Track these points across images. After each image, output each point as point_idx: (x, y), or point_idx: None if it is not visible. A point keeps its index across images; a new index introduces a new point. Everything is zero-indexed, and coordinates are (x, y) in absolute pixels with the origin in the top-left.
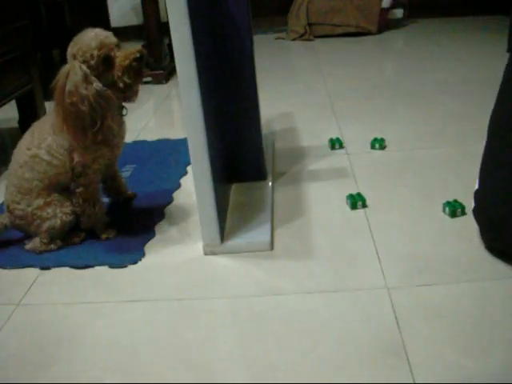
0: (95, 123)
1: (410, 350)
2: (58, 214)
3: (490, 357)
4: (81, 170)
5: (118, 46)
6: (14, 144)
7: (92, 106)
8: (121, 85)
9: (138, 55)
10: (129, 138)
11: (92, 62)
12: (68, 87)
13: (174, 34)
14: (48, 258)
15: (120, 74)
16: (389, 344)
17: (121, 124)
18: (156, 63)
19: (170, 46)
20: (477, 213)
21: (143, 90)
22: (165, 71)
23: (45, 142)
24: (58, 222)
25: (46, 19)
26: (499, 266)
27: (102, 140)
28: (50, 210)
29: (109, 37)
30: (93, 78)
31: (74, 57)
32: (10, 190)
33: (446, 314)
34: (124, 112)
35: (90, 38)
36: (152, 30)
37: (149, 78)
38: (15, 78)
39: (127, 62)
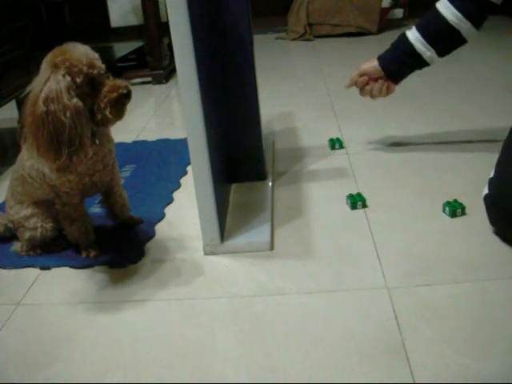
0: (73, 141)
1: (410, 349)
2: (39, 227)
3: (490, 357)
4: (55, 190)
5: (106, 73)
6: (14, 144)
7: (73, 120)
8: (99, 116)
9: (125, 91)
10: (129, 137)
11: (78, 80)
12: (46, 93)
13: (174, 33)
14: (48, 258)
15: (103, 105)
16: (389, 344)
17: (94, 152)
18: (156, 63)
19: (170, 45)
20: (491, 200)
21: (143, 90)
22: (165, 71)
23: (26, 165)
24: (39, 234)
25: (46, 19)
26: (499, 265)
27: (75, 162)
28: (32, 222)
29: (99, 60)
30: (74, 94)
31: (56, 66)
32: (8, 194)
33: (446, 314)
34: (96, 141)
35: (81, 53)
36: (152, 29)
37: (149, 78)
38: (15, 77)
39: (115, 94)
